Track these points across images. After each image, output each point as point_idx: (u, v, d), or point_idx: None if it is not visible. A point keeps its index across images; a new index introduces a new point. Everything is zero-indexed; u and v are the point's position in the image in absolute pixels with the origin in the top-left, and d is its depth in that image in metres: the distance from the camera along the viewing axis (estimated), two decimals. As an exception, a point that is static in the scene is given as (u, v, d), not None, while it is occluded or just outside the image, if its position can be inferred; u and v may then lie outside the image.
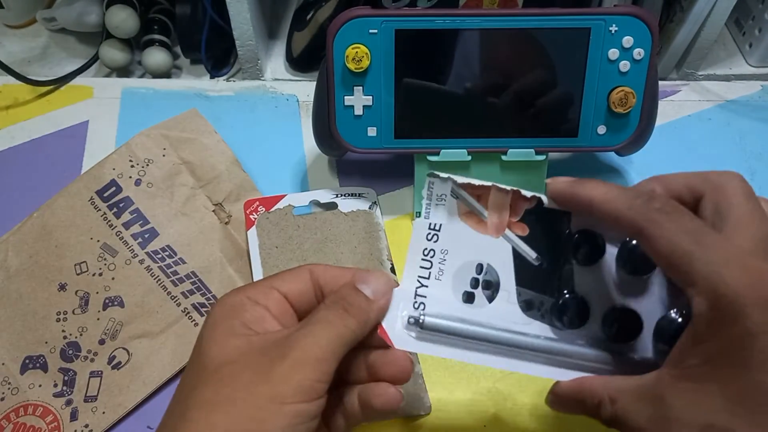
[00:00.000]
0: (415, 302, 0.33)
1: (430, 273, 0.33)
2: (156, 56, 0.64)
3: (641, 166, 0.57)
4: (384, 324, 0.32)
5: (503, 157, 0.49)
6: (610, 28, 0.45)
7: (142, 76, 0.67)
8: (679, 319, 0.31)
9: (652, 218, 0.27)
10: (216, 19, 0.62)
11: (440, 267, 0.33)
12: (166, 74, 0.66)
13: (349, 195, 0.53)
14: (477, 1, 0.60)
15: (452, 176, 0.32)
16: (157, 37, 0.65)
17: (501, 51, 0.47)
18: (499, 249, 0.33)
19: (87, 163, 0.57)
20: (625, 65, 0.46)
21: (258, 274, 0.48)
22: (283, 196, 0.52)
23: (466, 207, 0.32)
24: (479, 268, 0.33)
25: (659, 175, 0.32)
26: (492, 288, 0.33)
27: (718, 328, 0.25)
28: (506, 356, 0.32)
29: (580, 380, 0.31)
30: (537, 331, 0.33)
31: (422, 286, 0.33)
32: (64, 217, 0.49)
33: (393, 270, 0.49)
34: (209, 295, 0.48)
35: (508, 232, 0.32)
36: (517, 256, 0.33)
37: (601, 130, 0.48)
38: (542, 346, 0.32)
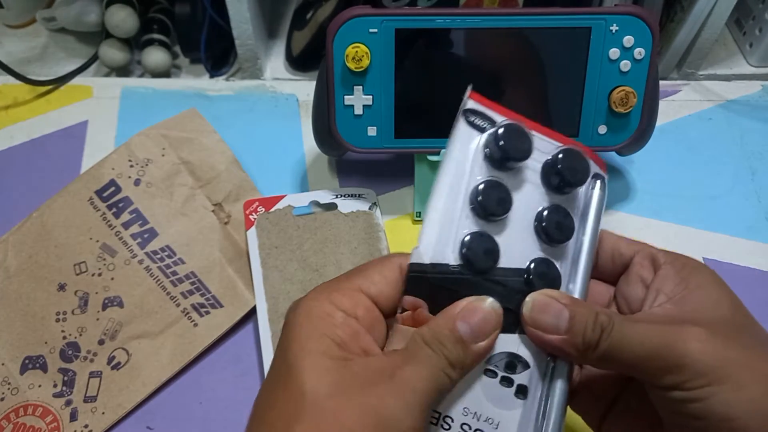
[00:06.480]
0: None
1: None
2: (155, 56, 0.64)
3: (642, 166, 0.57)
4: None
5: (503, 157, 0.49)
6: (611, 28, 0.45)
7: (141, 76, 0.67)
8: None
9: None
10: (215, 18, 0.62)
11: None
12: (165, 74, 0.66)
13: (348, 195, 0.53)
14: (477, 1, 0.60)
15: None
16: (156, 36, 0.65)
17: (501, 50, 0.47)
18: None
19: (86, 163, 0.57)
20: (625, 65, 0.46)
21: (257, 275, 0.48)
22: (283, 196, 0.52)
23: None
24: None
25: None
26: (518, 363, 0.30)
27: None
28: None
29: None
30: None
31: None
32: (64, 217, 0.49)
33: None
34: (208, 296, 0.48)
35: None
36: None
37: (602, 129, 0.48)
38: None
